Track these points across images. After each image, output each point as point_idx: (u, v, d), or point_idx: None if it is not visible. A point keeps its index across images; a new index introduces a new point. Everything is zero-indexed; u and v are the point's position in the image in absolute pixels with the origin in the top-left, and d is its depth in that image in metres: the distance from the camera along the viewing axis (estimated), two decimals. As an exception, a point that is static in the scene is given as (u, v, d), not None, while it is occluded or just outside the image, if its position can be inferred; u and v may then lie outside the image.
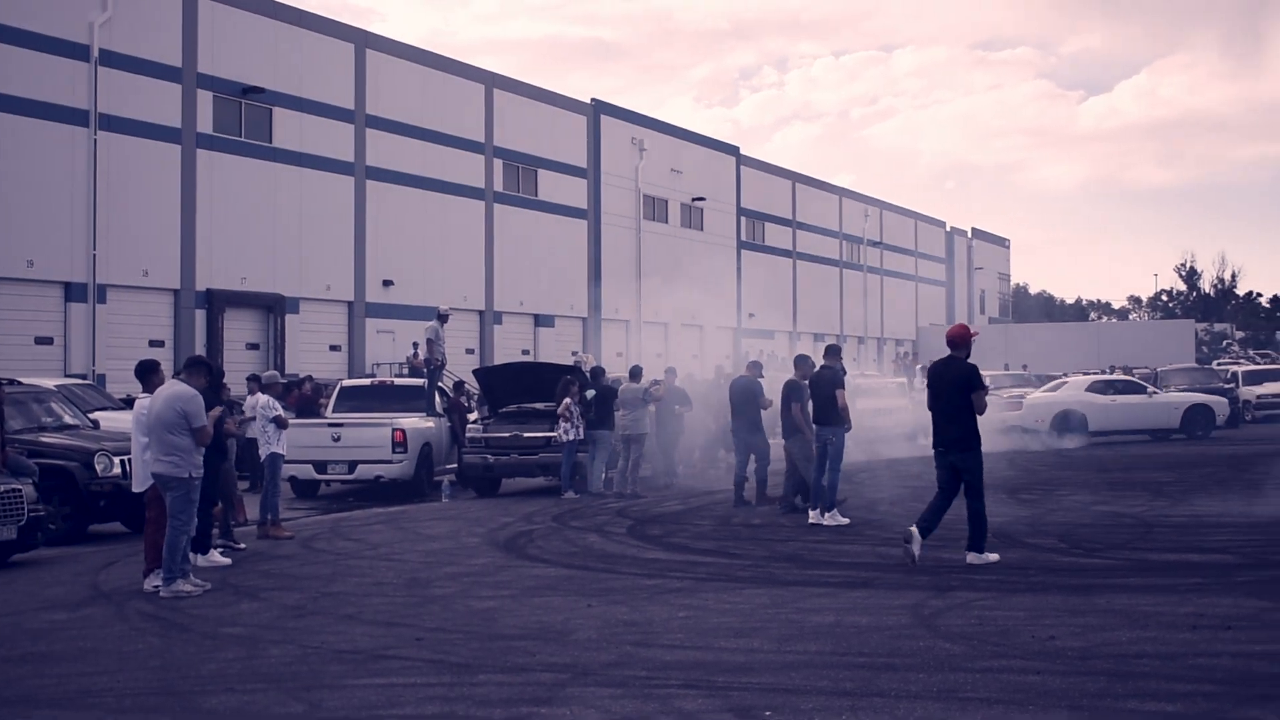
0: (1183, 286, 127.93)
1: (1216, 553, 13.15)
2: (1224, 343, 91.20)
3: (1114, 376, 37.67)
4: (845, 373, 17.96)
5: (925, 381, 35.22)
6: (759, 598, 11.37)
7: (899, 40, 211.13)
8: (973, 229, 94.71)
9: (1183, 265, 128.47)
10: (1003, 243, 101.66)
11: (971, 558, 12.84)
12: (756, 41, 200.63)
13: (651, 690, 8.02)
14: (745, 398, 19.78)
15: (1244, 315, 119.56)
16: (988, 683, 7.93)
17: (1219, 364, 54.17)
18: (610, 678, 8.37)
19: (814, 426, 17.32)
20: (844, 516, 16.71)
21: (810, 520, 16.74)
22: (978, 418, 13.06)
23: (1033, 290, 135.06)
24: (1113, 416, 32.90)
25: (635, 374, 22.98)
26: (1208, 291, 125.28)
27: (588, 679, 8.35)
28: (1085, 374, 39.96)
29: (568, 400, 21.50)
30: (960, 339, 13.27)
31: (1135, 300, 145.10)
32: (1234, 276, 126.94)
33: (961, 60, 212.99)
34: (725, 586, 12.11)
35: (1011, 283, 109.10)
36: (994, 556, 12.88)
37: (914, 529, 12.93)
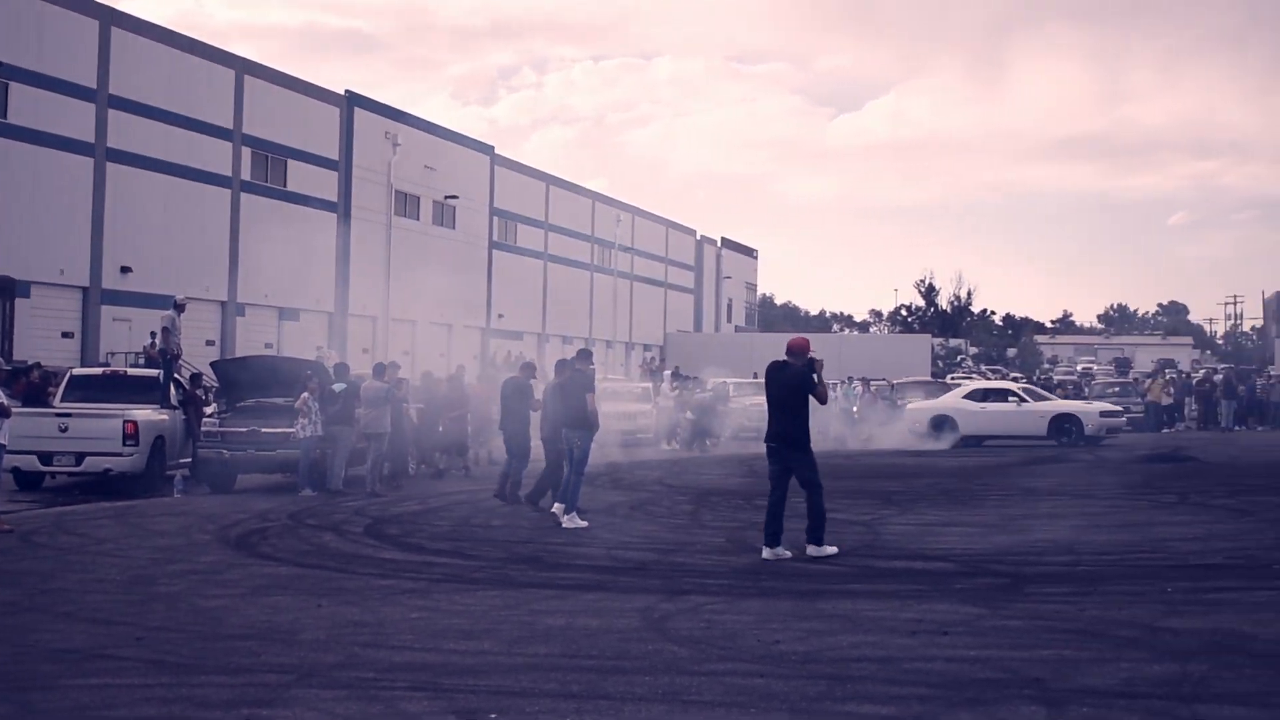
0: (921, 302, 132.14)
1: (938, 560, 13.58)
2: (958, 358, 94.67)
3: (991, 385, 41.11)
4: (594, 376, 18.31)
5: (672, 387, 35.56)
6: (492, 599, 11.34)
7: (658, 48, 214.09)
8: (722, 238, 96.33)
9: (922, 282, 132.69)
10: (751, 253, 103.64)
11: (811, 549, 13.59)
12: (516, 42, 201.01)
13: (378, 692, 7.92)
14: (517, 397, 20.00)
15: (978, 332, 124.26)
16: (712, 685, 8.04)
17: (952, 378, 56.10)
18: (336, 679, 8.23)
19: (562, 430, 17.63)
20: (582, 519, 16.81)
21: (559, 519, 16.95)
22: (811, 412, 13.86)
23: (778, 301, 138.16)
24: (981, 422, 35.23)
25: (378, 371, 22.71)
26: (945, 308, 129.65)
27: (313, 680, 8.19)
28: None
29: (305, 395, 21.16)
30: (800, 349, 13.89)
31: (876, 314, 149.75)
32: (970, 294, 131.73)
33: (718, 72, 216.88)
34: (459, 588, 12.05)
35: (758, 293, 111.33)
36: (832, 549, 13.66)
37: (765, 547, 13.61)
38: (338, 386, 21.55)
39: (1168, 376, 53.32)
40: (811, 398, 13.80)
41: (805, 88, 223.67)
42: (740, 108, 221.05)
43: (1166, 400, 46.30)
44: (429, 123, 60.09)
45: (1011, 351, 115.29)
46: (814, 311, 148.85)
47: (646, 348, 78.20)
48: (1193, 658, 8.53)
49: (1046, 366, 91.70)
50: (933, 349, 74.93)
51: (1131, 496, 20.15)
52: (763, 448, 14.29)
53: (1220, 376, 52.00)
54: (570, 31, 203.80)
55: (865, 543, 15.25)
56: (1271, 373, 59.86)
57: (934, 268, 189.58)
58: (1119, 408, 39.21)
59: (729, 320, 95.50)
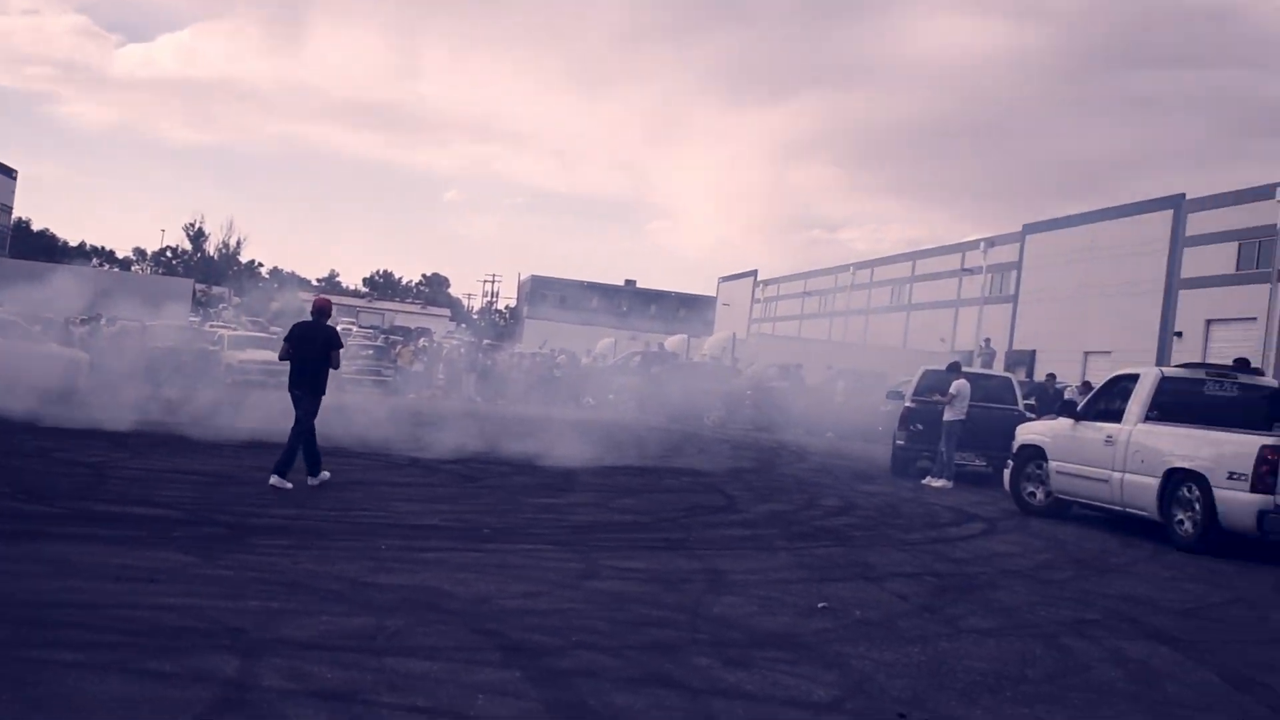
0: (189, 246, 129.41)
1: (162, 507, 13.31)
2: (220, 305, 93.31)
3: None
4: None
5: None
6: None
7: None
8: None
9: (192, 225, 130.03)
10: (10, 172, 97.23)
11: (274, 480, 15.25)
12: None
13: None
14: None
15: (244, 282, 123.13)
16: (-115, 628, 7.46)
17: (211, 326, 55.15)
18: None
19: None
20: None
21: None
22: (331, 370, 16.30)
23: (35, 227, 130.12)
24: None
25: None
26: (213, 255, 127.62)
27: None
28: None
29: None
30: (325, 308, 16.46)
31: (140, 252, 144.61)
32: (240, 243, 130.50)
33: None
34: None
35: (13, 216, 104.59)
36: (289, 485, 15.26)
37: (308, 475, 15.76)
38: None
39: (420, 344, 55.22)
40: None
41: (92, 8, 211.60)
42: (20, 19, 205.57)
43: (417, 367, 47.96)
44: None
45: (275, 305, 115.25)
46: (75, 242, 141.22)
47: None
48: (392, 612, 8.86)
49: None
50: (194, 294, 73.35)
51: (367, 457, 20.53)
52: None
53: (464, 349, 54.55)
54: None
55: (89, 485, 14.71)
56: (517, 349, 63.45)
57: (205, 212, 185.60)
58: None
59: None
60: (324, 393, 16.25)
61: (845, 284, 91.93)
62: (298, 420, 15.87)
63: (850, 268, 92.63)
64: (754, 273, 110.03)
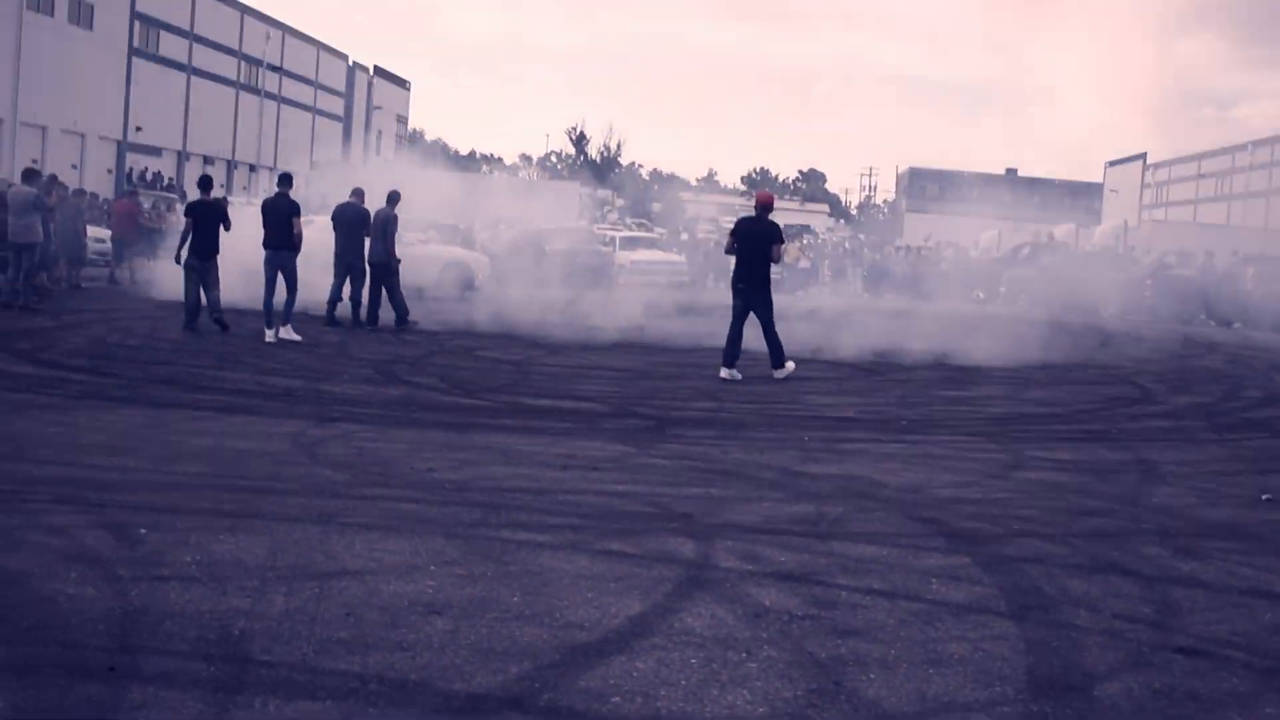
0: (571, 150, 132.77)
1: (586, 401, 13.85)
2: (605, 208, 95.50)
3: None
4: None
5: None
6: (135, 418, 11.01)
7: None
8: (375, 67, 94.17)
9: (574, 129, 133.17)
10: (404, 84, 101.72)
11: (776, 374, 16.48)
12: None
13: (20, 505, 7.58)
14: (356, 222, 21.46)
15: (626, 184, 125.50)
16: (366, 509, 8.00)
17: (599, 229, 56.62)
18: (-31, 489, 7.84)
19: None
20: (297, 334, 18.51)
21: (267, 339, 18.14)
22: (774, 265, 16.63)
23: (429, 137, 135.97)
24: None
25: (29, 176, 21.53)
26: (595, 158, 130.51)
27: (-57, 489, 7.79)
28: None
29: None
30: (769, 203, 16.74)
31: (526, 158, 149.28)
32: (619, 146, 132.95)
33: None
34: (99, 405, 11.67)
35: (409, 126, 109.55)
36: (792, 365, 16.68)
37: (724, 367, 16.41)
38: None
39: (805, 241, 55.23)
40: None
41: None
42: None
43: (804, 264, 48.02)
44: (66, -86, 56.22)
45: (657, 206, 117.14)
46: (464, 151, 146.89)
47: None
48: (829, 499, 8.97)
49: (695, 221, 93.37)
50: (580, 197, 75.24)
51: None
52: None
53: (849, 244, 54.27)
54: None
55: (515, 381, 15.41)
56: (897, 244, 62.80)
57: (586, 116, 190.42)
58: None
59: (378, 153, 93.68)
60: (766, 288, 16.56)
61: (1244, 164, 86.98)
62: (762, 321, 16.45)
63: (1249, 146, 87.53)
64: (1143, 156, 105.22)
